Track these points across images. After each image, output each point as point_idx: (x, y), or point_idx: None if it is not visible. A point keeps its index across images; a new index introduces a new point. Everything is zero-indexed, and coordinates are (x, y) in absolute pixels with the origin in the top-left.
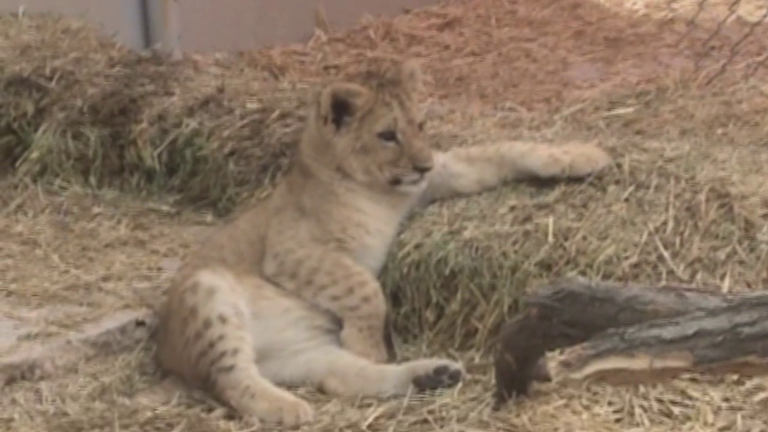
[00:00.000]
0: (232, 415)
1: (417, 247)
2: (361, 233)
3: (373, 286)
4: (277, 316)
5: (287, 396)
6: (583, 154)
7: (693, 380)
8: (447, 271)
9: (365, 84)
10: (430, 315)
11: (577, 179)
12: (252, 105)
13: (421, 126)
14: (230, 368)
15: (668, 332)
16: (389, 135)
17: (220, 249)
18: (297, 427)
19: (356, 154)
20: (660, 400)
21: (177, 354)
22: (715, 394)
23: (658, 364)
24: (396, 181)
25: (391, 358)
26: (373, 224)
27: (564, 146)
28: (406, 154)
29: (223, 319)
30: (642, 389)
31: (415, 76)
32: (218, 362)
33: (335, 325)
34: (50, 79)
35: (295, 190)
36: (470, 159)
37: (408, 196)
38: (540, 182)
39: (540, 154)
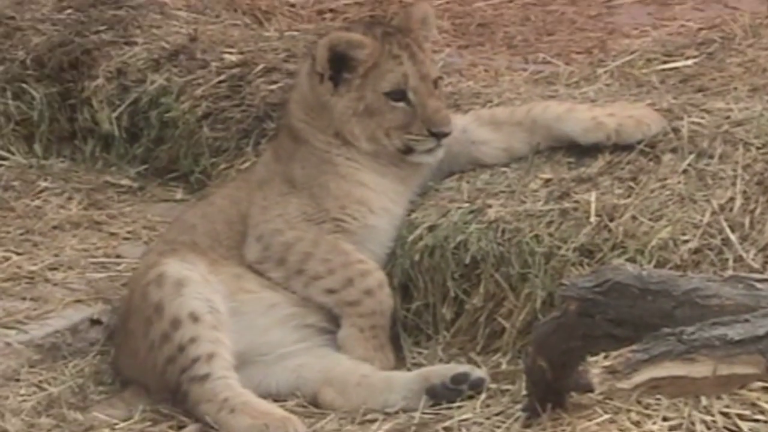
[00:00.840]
0: None
1: (431, 229)
2: (363, 212)
3: (377, 276)
4: (261, 312)
5: (274, 410)
6: (632, 116)
7: (766, 389)
8: (467, 259)
9: (368, 33)
10: (447, 312)
11: (625, 147)
12: (231, 57)
13: (436, 83)
14: (204, 377)
15: (736, 332)
16: (399, 94)
17: (191, 231)
18: None
19: (359, 117)
20: (726, 414)
21: (140, 360)
22: None
23: (724, 370)
24: (407, 150)
25: (400, 363)
26: (378, 201)
27: (609, 107)
28: (419, 116)
29: (194, 318)
30: (704, 401)
31: (428, 23)
32: (190, 370)
33: (331, 323)
34: None
35: (283, 160)
36: (496, 123)
37: (421, 167)
38: (580, 151)
39: (580, 116)
